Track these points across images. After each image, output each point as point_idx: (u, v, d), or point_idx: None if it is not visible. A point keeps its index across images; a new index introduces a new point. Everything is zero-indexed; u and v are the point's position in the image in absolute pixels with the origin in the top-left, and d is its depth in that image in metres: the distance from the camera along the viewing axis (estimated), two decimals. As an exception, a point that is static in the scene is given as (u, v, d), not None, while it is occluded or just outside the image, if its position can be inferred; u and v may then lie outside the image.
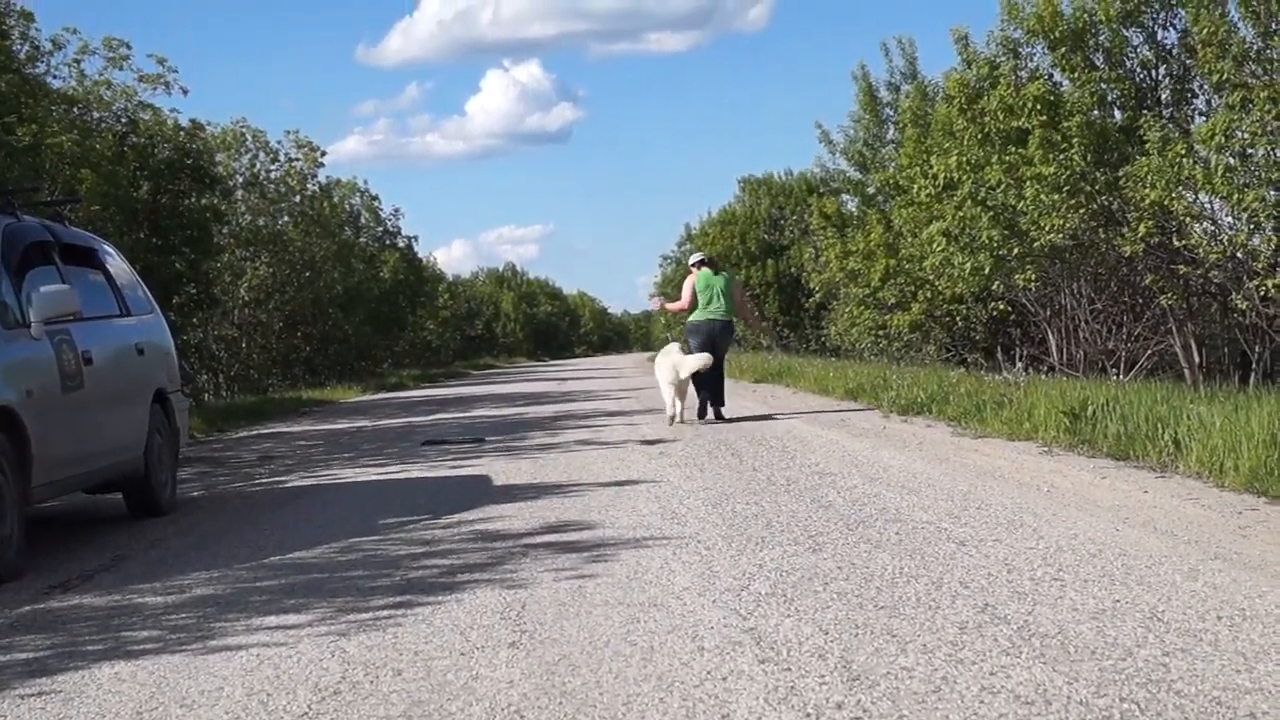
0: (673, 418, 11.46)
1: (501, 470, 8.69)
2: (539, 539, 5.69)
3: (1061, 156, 12.94)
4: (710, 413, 11.75)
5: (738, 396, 15.19)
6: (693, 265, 12.44)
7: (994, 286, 15.58)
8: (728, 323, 12.10)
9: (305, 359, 31.94)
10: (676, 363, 11.34)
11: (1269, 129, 10.32)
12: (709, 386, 11.69)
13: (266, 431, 15.13)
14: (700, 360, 11.36)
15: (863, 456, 8.28)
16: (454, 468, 9.12)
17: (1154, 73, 13.45)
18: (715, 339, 11.84)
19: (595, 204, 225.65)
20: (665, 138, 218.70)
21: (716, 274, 12.10)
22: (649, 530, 5.74)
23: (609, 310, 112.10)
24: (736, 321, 12.77)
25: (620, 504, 6.63)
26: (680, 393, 11.44)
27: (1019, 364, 14.27)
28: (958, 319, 18.72)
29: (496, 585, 4.70)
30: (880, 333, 20.77)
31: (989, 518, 5.62)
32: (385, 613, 4.37)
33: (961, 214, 14.76)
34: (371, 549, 5.75)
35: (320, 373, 31.32)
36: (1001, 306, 17.24)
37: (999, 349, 18.14)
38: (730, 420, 11.63)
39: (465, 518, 6.50)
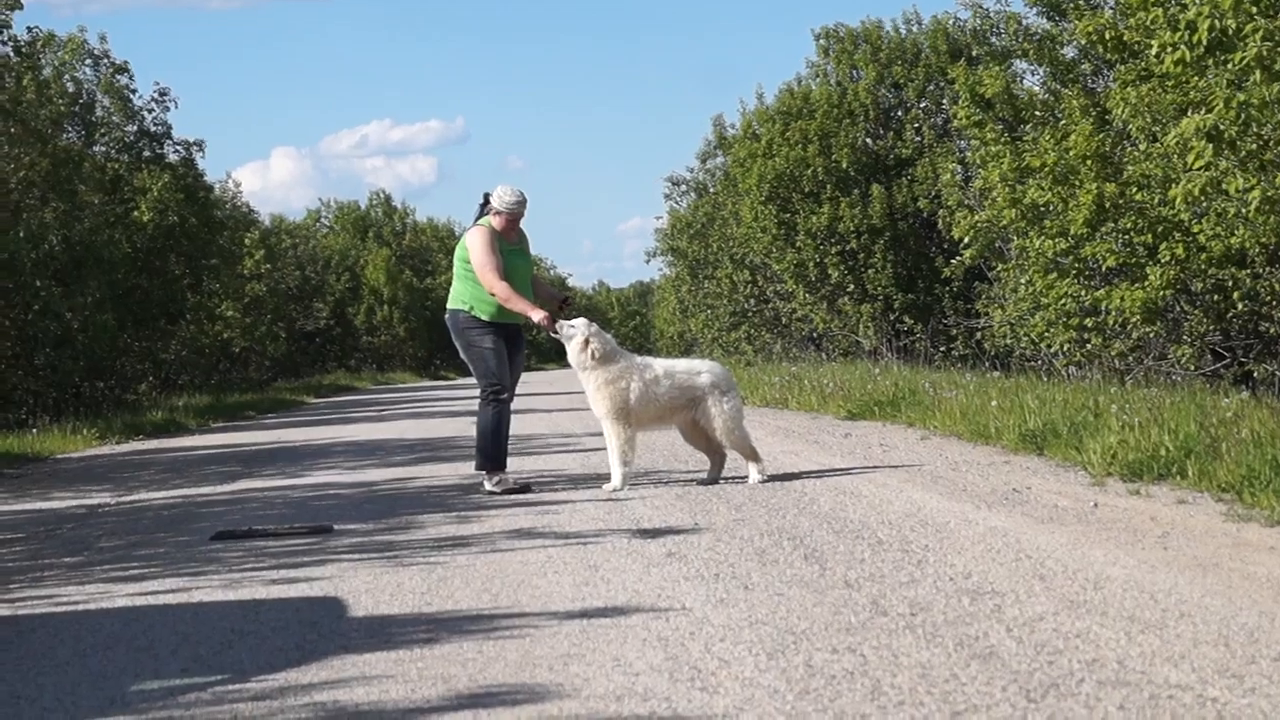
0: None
1: (365, 588, 8.70)
2: (437, 720, 5.68)
3: None
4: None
5: (816, 446, 15.17)
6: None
7: (1305, 236, 15.63)
8: (449, 315, 13.29)
9: (-9, 377, 31.88)
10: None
11: None
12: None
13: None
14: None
15: (1054, 560, 8.29)
16: (275, 582, 9.15)
17: None
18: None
19: (542, 82, 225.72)
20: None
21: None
22: (649, 705, 5.75)
23: (569, 282, 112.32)
24: (470, 305, 13.08)
25: (593, 652, 6.63)
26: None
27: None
28: (1235, 298, 18.75)
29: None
30: (1088, 324, 20.78)
31: (1296, 677, 5.62)
32: None
33: (1242, 98, 14.79)
34: (117, 740, 5.74)
35: (20, 402, 31.22)
36: (1319, 273, 17.30)
37: (1314, 355, 18.17)
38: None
39: (295, 679, 6.50)
